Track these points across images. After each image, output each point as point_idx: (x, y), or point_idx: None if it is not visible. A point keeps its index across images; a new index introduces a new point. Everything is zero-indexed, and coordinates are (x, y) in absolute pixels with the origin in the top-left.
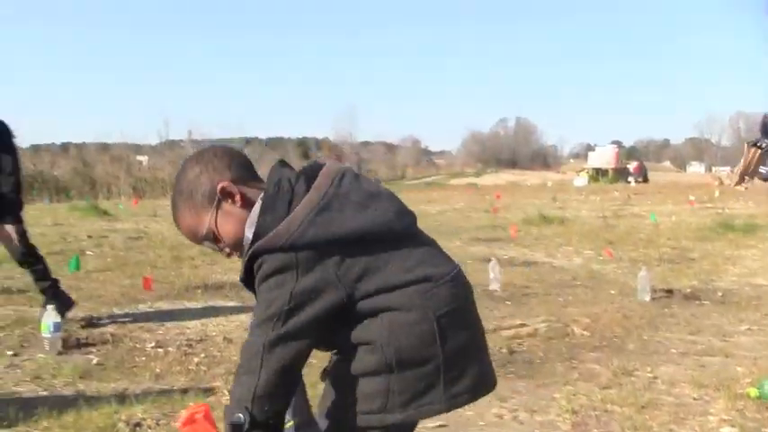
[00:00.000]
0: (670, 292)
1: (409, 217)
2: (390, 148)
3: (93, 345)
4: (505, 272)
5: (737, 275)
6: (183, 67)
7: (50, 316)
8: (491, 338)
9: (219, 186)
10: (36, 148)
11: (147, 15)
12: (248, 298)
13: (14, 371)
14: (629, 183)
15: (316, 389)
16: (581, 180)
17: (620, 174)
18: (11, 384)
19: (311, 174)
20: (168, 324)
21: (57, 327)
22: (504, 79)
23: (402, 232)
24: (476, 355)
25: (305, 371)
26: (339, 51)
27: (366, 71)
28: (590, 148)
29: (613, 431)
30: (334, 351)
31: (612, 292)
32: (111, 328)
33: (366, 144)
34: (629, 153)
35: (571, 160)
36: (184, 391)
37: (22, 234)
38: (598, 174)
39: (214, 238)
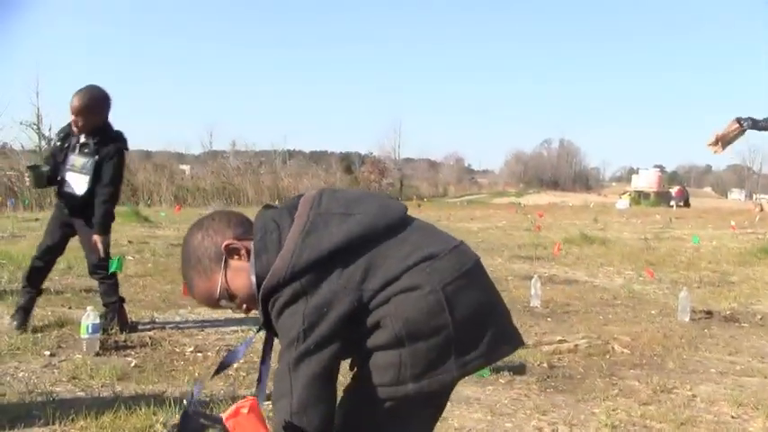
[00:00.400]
0: (710, 313)
1: (395, 208)
2: (433, 165)
3: (132, 347)
4: (546, 289)
5: None
6: (230, 79)
7: (89, 317)
8: (531, 353)
9: (224, 245)
10: None
11: (195, 26)
12: None
13: (51, 371)
14: (671, 206)
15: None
16: (623, 203)
17: (662, 197)
18: (48, 384)
19: (292, 206)
20: (208, 330)
21: (95, 328)
22: (549, 100)
23: (392, 225)
24: (489, 319)
25: None
26: (385, 67)
27: (413, 88)
28: (632, 171)
29: None
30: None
31: (653, 312)
32: (150, 332)
33: (409, 160)
34: (671, 178)
35: (613, 183)
36: (223, 396)
37: (107, 246)
38: (640, 197)
39: (229, 297)
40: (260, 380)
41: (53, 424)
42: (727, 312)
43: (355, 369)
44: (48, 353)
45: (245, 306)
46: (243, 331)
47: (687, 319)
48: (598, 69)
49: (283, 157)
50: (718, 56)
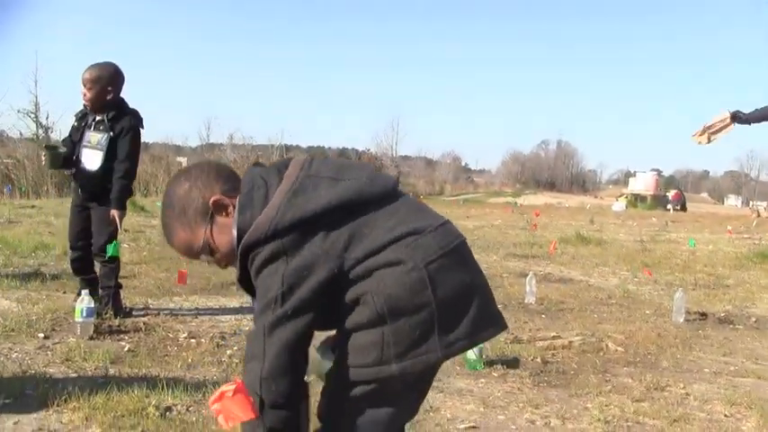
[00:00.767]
0: (704, 315)
1: (385, 180)
2: (430, 163)
3: (126, 332)
4: (541, 287)
5: None
6: (228, 73)
7: (84, 301)
8: (525, 348)
9: (212, 200)
10: None
11: (195, 19)
12: None
13: (45, 353)
14: (668, 210)
15: None
16: (619, 205)
17: (659, 201)
18: (41, 365)
19: (282, 165)
20: (202, 317)
21: (90, 312)
22: (548, 101)
23: (379, 195)
24: (472, 300)
25: None
26: (384, 64)
27: (411, 85)
28: (629, 174)
29: None
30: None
31: (647, 312)
32: (144, 318)
33: (406, 158)
34: (668, 182)
35: (610, 186)
36: (216, 382)
37: (119, 223)
38: (636, 199)
39: (210, 251)
40: None
41: (46, 404)
42: (722, 314)
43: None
44: (42, 335)
45: (224, 262)
46: (237, 320)
47: (682, 320)
48: (598, 71)
49: (281, 151)
50: (719, 60)
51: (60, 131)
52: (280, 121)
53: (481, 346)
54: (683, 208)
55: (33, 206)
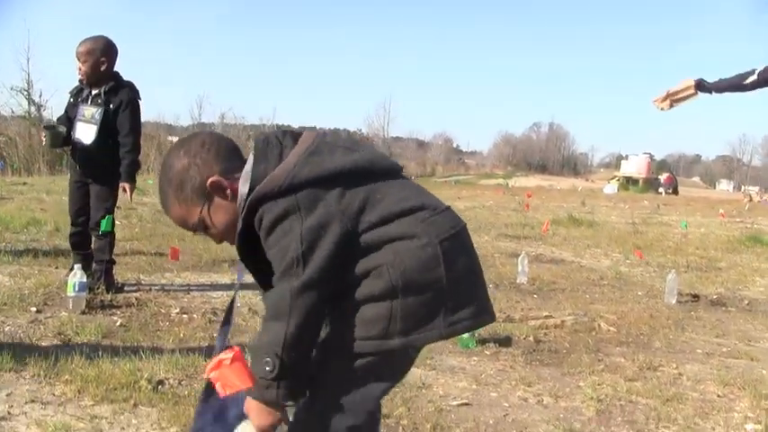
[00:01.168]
0: (696, 297)
1: (394, 161)
2: (422, 144)
3: (118, 307)
4: (533, 267)
5: (765, 287)
6: (220, 52)
7: (76, 276)
8: (518, 327)
9: (210, 181)
10: None
11: None
12: None
13: (38, 326)
14: (660, 193)
15: None
16: (611, 187)
17: (651, 184)
18: (34, 339)
19: (296, 133)
20: (194, 293)
21: (82, 287)
22: (540, 84)
23: (390, 169)
24: (477, 283)
25: None
26: (376, 45)
27: (403, 67)
28: (621, 157)
29: (638, 421)
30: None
31: (639, 293)
32: (136, 294)
33: (398, 139)
34: (660, 166)
35: (601, 169)
36: (208, 356)
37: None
38: (628, 182)
39: (204, 227)
40: (218, 343)
41: (39, 376)
42: (714, 296)
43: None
44: (34, 309)
45: (218, 238)
46: (228, 295)
47: (674, 302)
48: (590, 54)
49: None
50: (713, 43)
51: (53, 109)
52: (272, 101)
53: None
54: (675, 191)
55: (25, 183)
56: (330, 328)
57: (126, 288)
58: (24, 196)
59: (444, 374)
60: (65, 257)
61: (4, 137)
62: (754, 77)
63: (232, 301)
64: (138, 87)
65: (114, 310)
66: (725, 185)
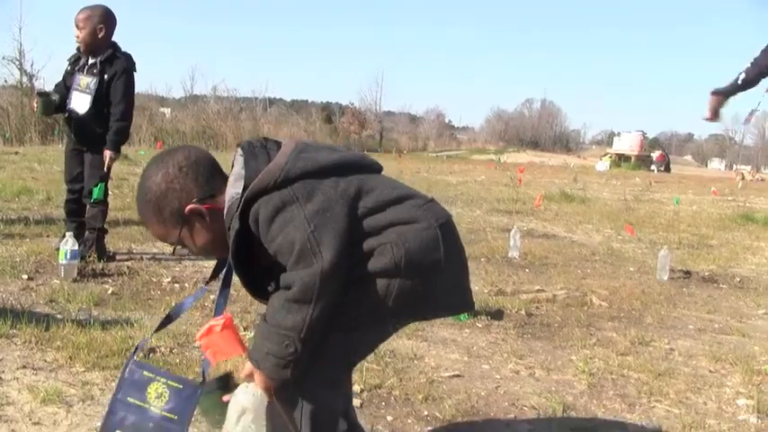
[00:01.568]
0: (688, 273)
1: (376, 160)
2: (414, 119)
3: (109, 276)
4: (525, 242)
5: (756, 264)
6: (213, 24)
7: (68, 243)
8: (509, 301)
9: (188, 209)
10: None
11: None
12: None
13: (29, 293)
14: (652, 171)
15: None
16: (603, 164)
17: (643, 161)
18: (25, 305)
19: (277, 141)
20: (185, 262)
21: (74, 254)
22: (533, 60)
23: (374, 166)
24: (464, 271)
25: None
26: (369, 19)
27: (395, 42)
28: (613, 135)
29: (630, 394)
30: None
31: (631, 269)
32: (127, 263)
33: (390, 114)
34: (652, 144)
35: (593, 146)
36: (199, 325)
37: (108, 172)
38: (620, 159)
39: (183, 245)
40: (218, 306)
41: (30, 343)
42: (706, 273)
43: None
44: (25, 276)
45: (197, 254)
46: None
47: (666, 278)
48: (584, 31)
49: (264, 104)
50: (706, 23)
51: (45, 79)
52: (264, 74)
53: None
54: (667, 169)
55: (17, 152)
56: None
57: (117, 257)
58: (16, 165)
59: (436, 346)
60: (56, 226)
61: None
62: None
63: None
64: (134, 59)
65: (106, 279)
66: (717, 164)
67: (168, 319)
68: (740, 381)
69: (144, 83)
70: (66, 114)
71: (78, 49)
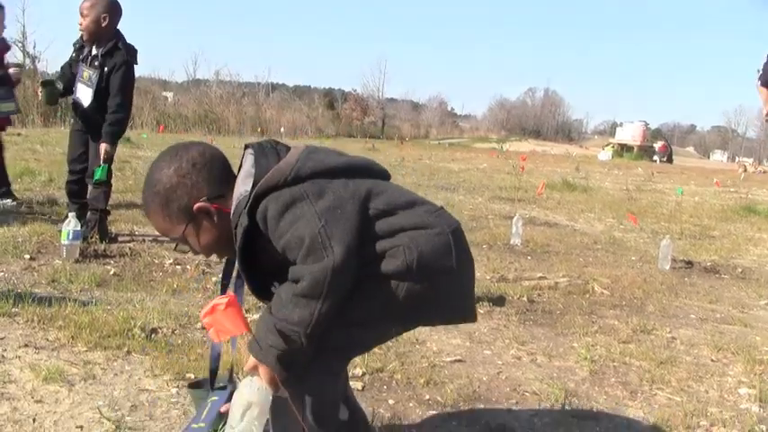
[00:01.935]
0: (690, 263)
1: (384, 167)
2: (416, 106)
3: (111, 257)
4: (527, 230)
5: (758, 256)
6: (217, 7)
7: (70, 224)
8: (511, 287)
9: (196, 207)
10: None
11: None
12: None
13: (31, 273)
14: (654, 161)
15: None
16: (605, 154)
17: (645, 152)
18: (27, 285)
19: (286, 144)
20: None
21: (76, 235)
22: (536, 50)
23: (383, 172)
24: (472, 280)
25: None
26: (372, 5)
27: (400, 28)
28: (616, 125)
29: (632, 382)
30: None
31: (633, 258)
32: (129, 244)
33: (392, 101)
34: (654, 134)
35: (595, 136)
36: (201, 306)
37: (110, 156)
38: (623, 149)
39: (185, 242)
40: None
41: (32, 322)
42: (708, 264)
43: None
44: (27, 256)
45: (199, 254)
46: None
47: (667, 268)
48: (588, 23)
49: (266, 89)
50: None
51: (47, 61)
52: (267, 59)
53: None
54: (670, 160)
55: (19, 134)
56: None
57: (119, 239)
58: (19, 147)
59: (438, 331)
60: (59, 207)
61: None
62: None
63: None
64: (137, 50)
65: (108, 260)
66: (719, 156)
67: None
68: (742, 370)
69: (146, 66)
70: (72, 101)
71: (81, 37)
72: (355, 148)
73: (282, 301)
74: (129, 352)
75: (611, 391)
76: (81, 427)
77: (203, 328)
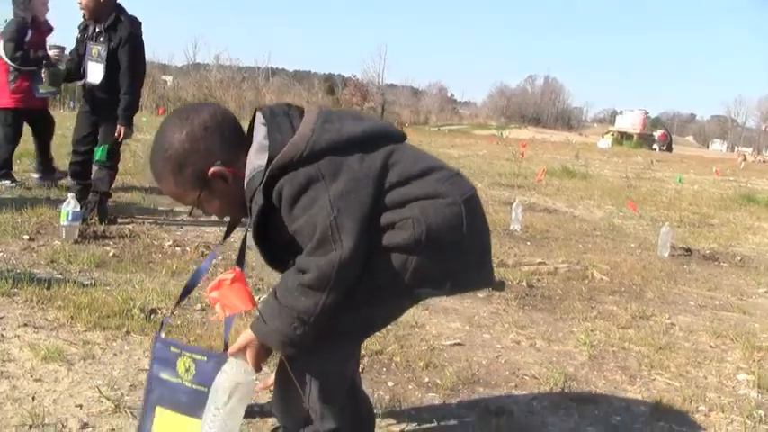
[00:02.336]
0: (689, 251)
1: (400, 129)
2: (416, 92)
3: (111, 238)
4: (526, 216)
5: (757, 244)
6: None
7: (70, 205)
8: (511, 272)
9: (211, 172)
10: None
11: None
12: None
13: (31, 254)
14: (654, 149)
15: None
16: (605, 142)
17: (645, 140)
18: (27, 266)
19: (299, 107)
20: (187, 227)
21: (75, 216)
22: (536, 37)
23: (399, 135)
24: (486, 248)
25: None
26: None
27: (400, 13)
28: (615, 113)
29: (631, 367)
30: None
31: (632, 245)
32: (129, 226)
33: (392, 87)
34: (654, 123)
35: (595, 124)
36: (201, 288)
37: (116, 140)
38: (622, 137)
39: (199, 206)
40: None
41: (32, 302)
42: (707, 251)
43: None
44: (27, 237)
45: (214, 215)
46: (221, 230)
47: (666, 255)
48: (590, 11)
49: (266, 74)
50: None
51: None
52: (267, 44)
53: None
54: (669, 148)
55: None
56: None
57: (119, 220)
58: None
59: (437, 315)
60: (58, 188)
61: None
62: None
63: (243, 242)
64: (140, 20)
65: (107, 241)
66: (718, 146)
67: (187, 290)
68: (740, 356)
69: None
70: (83, 83)
71: (83, 15)
72: None
73: (289, 288)
74: (128, 332)
75: (611, 376)
76: (80, 405)
77: (203, 310)
